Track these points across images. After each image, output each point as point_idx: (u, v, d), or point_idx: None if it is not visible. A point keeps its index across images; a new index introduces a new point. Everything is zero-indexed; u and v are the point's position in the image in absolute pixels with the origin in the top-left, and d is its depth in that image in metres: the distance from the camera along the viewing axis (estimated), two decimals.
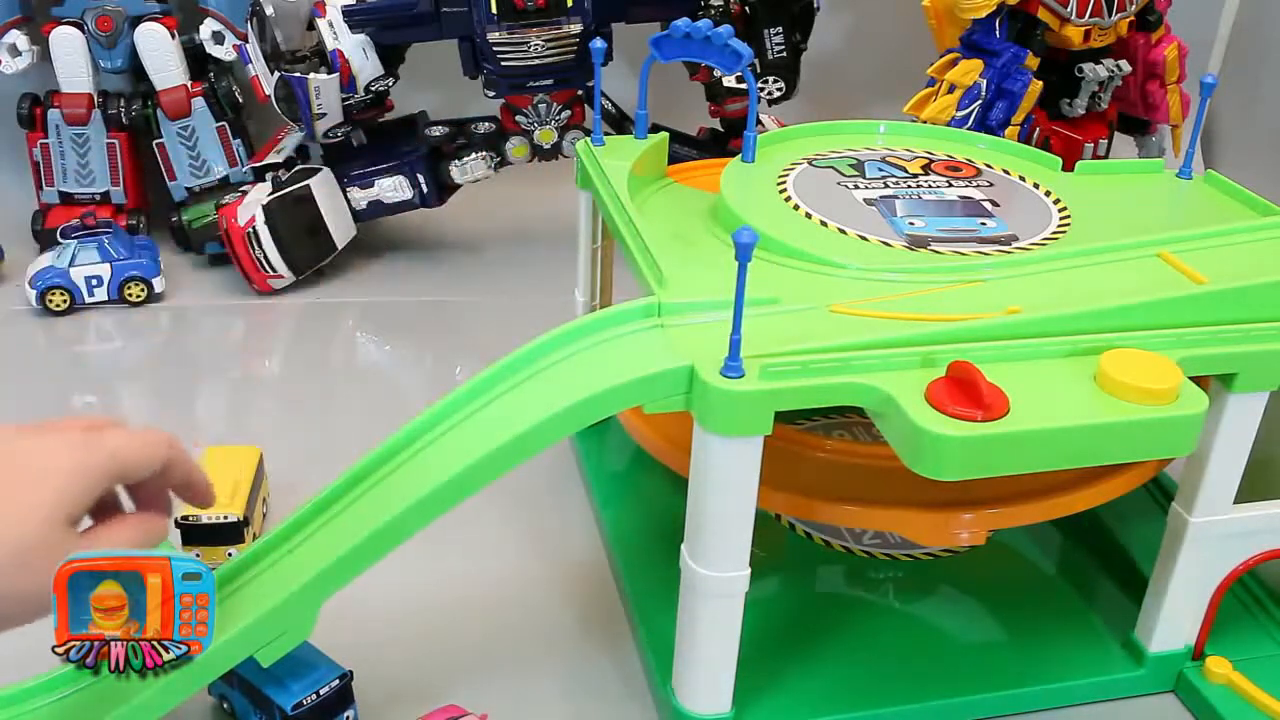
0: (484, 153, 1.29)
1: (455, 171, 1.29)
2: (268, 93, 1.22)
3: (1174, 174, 0.88)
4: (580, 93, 1.27)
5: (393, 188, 1.30)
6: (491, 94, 1.25)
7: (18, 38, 1.28)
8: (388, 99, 1.31)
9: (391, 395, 1.14)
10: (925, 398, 0.58)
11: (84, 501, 0.56)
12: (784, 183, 0.83)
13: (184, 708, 0.64)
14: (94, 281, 1.22)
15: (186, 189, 1.34)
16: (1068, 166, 0.88)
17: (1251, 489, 0.71)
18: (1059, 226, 0.78)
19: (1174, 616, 0.74)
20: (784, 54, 1.30)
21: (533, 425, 0.62)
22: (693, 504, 0.65)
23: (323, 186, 1.27)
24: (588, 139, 0.88)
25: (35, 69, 1.31)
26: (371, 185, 1.29)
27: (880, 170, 0.85)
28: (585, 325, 0.67)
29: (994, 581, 0.84)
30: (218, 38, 1.30)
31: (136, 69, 1.31)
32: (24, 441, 0.57)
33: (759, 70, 1.29)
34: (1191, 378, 0.61)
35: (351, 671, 0.69)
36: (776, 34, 1.29)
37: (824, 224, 0.77)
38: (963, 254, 0.73)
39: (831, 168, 0.86)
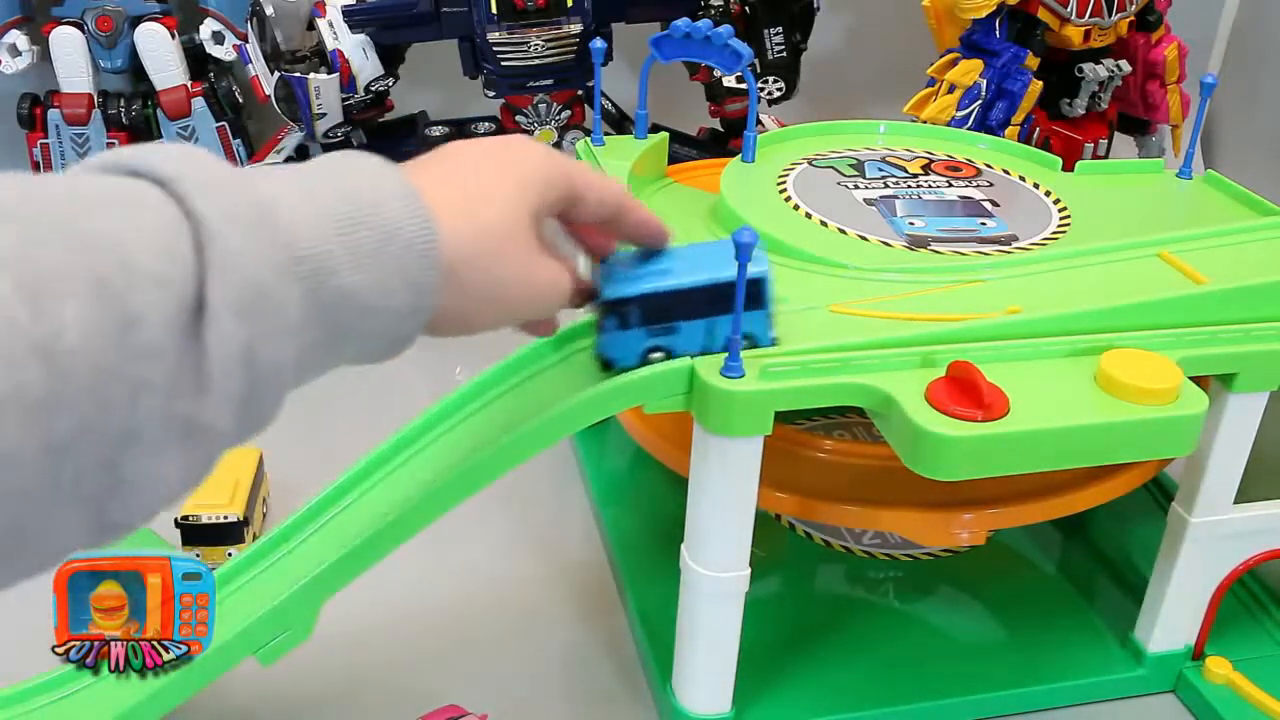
0: None
1: None
2: (268, 93, 1.22)
3: (1174, 174, 0.88)
4: (580, 93, 1.27)
5: None
6: (491, 94, 1.25)
7: (18, 38, 1.28)
8: (388, 99, 1.30)
9: (391, 395, 1.13)
10: (925, 398, 0.58)
11: (545, 203, 0.54)
12: (784, 183, 0.83)
13: (184, 708, 0.64)
14: None
15: None
16: (1068, 166, 0.88)
17: (1251, 489, 0.71)
18: (1059, 226, 0.78)
19: (1174, 616, 0.74)
20: (784, 54, 1.30)
21: (533, 425, 0.62)
22: (693, 504, 0.64)
23: None
24: (588, 139, 0.88)
25: (35, 69, 1.30)
26: None
27: (880, 170, 0.85)
28: (586, 325, 0.67)
29: (994, 581, 0.84)
30: (218, 38, 1.30)
31: (136, 69, 1.30)
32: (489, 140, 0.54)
33: (759, 70, 1.29)
34: (1191, 378, 0.61)
35: None
36: (776, 34, 1.29)
37: (824, 224, 0.77)
38: (963, 254, 0.73)
39: (831, 168, 0.86)
